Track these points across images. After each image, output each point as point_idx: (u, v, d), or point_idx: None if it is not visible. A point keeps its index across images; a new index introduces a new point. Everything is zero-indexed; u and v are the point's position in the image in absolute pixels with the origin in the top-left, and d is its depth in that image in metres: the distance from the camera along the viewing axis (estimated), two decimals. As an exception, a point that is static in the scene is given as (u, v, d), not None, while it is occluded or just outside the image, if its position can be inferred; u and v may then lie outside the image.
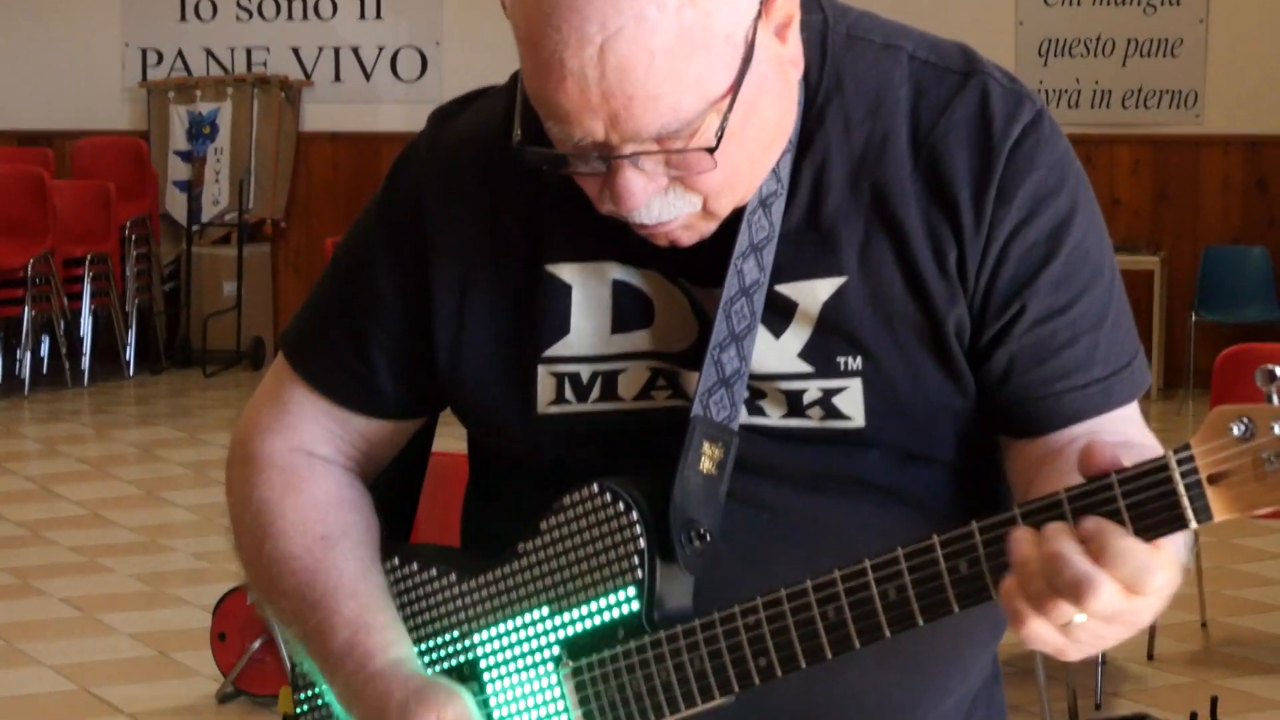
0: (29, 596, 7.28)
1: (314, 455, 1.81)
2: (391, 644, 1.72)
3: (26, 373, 11.20)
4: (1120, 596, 1.43)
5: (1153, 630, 6.41)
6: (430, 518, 1.94)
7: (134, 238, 11.66)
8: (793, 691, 1.67)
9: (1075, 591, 1.42)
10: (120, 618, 6.98)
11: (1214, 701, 5.51)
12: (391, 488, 1.87)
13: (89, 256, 11.30)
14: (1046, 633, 1.46)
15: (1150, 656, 6.41)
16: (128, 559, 7.84)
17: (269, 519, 1.79)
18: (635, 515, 1.64)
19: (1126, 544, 1.43)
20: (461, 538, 1.85)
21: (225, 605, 6.02)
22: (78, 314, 11.39)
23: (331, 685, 1.74)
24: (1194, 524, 1.43)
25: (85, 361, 11.50)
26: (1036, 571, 1.43)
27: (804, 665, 1.57)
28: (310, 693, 1.84)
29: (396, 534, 1.86)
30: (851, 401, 1.66)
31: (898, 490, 1.66)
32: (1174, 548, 1.47)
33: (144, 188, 11.81)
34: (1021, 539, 1.45)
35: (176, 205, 12.16)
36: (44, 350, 11.56)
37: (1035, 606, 1.44)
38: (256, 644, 5.88)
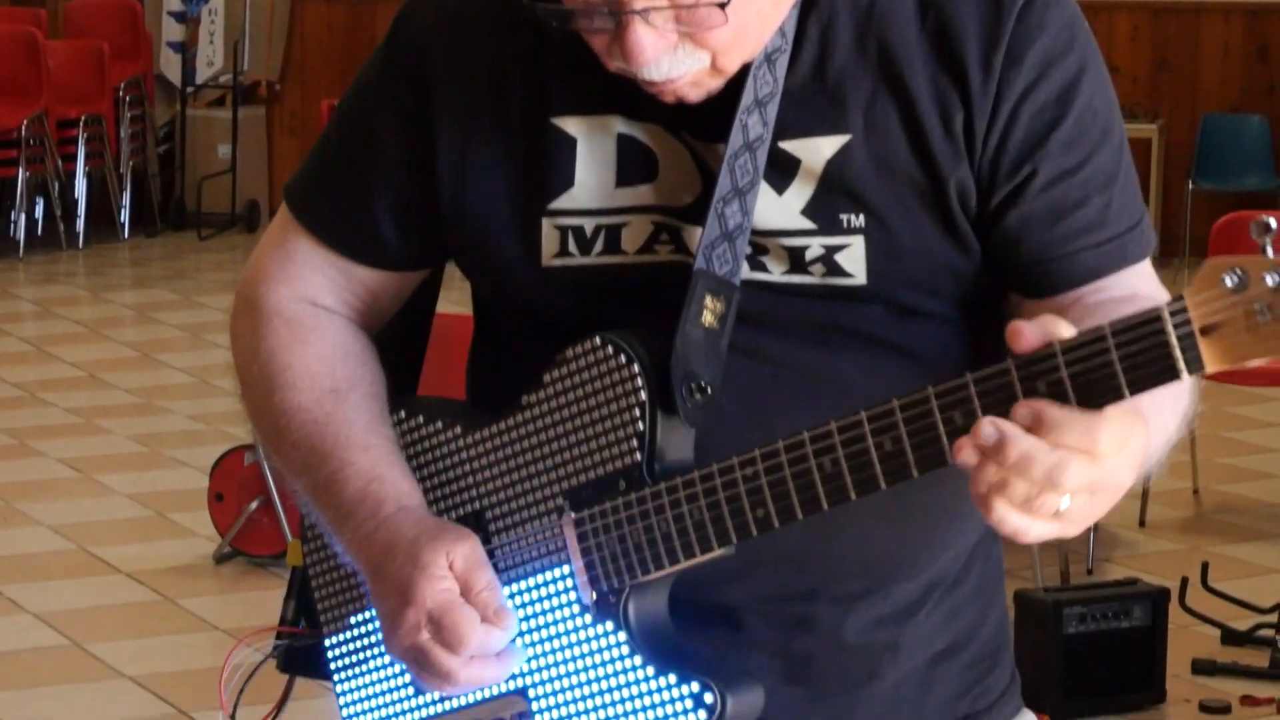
0: (27, 457, 7.31)
1: (319, 306, 1.82)
2: (404, 494, 1.73)
3: (21, 234, 11.18)
4: (1089, 466, 1.44)
5: (1145, 497, 6.45)
6: (433, 378, 1.94)
7: (128, 99, 11.59)
8: (793, 548, 1.68)
9: (1052, 479, 1.43)
10: (118, 478, 7.02)
11: (1205, 567, 5.55)
12: (397, 343, 1.88)
13: (83, 118, 11.25)
14: (1045, 529, 1.47)
15: (1142, 523, 6.44)
16: (125, 420, 7.86)
17: (276, 370, 1.79)
18: (637, 368, 1.64)
19: (1062, 415, 1.43)
20: (467, 392, 1.85)
21: (222, 466, 6.04)
22: (72, 176, 11.35)
23: (340, 535, 1.75)
24: (1185, 375, 1.42)
25: (80, 224, 11.47)
26: (1012, 478, 1.44)
27: (800, 516, 1.57)
28: (319, 543, 1.86)
29: (402, 389, 1.86)
30: (853, 259, 1.67)
31: (899, 344, 1.67)
32: (1124, 405, 1.46)
33: (138, 48, 11.74)
34: (982, 466, 1.45)
35: (171, 66, 12.09)
36: (38, 212, 11.53)
37: (1025, 509, 1.45)
38: (254, 505, 5.91)
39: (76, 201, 11.42)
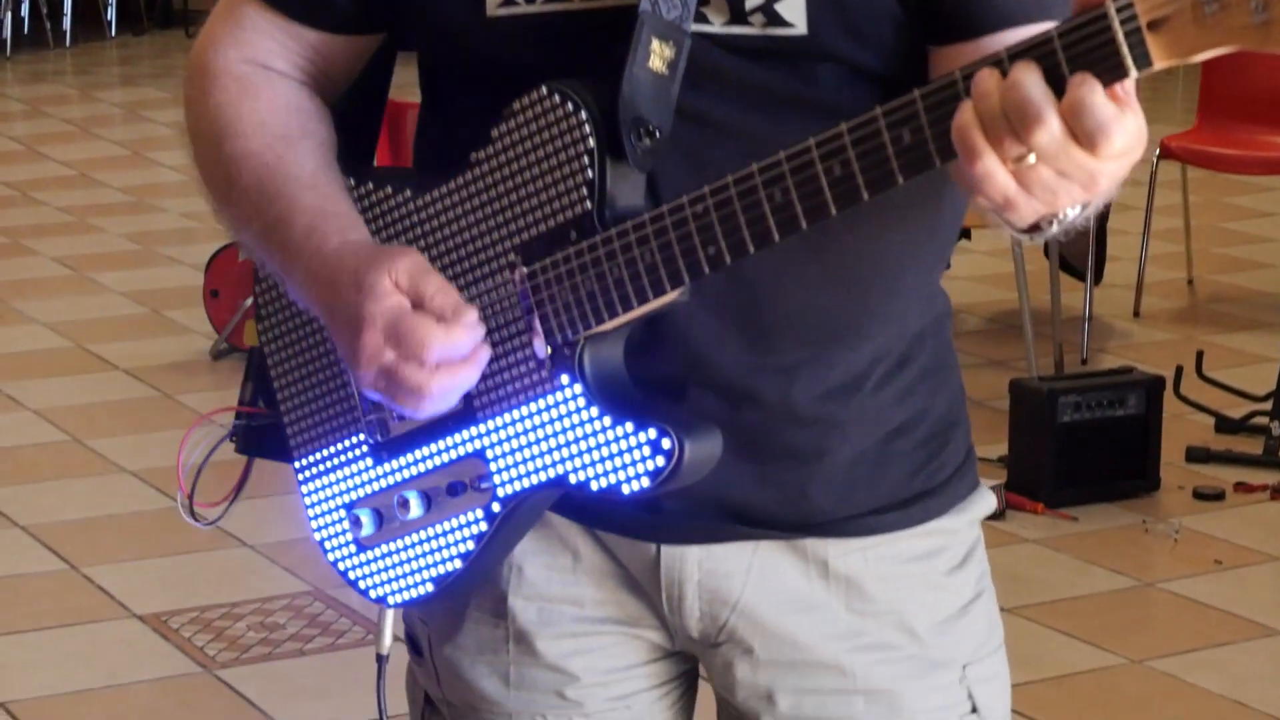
0: (21, 256, 7.31)
1: (269, 69, 1.79)
2: (349, 229, 1.70)
3: (8, 34, 11.10)
4: (1065, 139, 1.40)
5: (1139, 287, 6.47)
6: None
7: (112, -106, 11.47)
8: (733, 314, 1.68)
9: (1021, 116, 1.40)
10: (113, 277, 7.02)
11: (1199, 355, 5.58)
12: (352, 115, 1.85)
13: (67, -86, 11.14)
14: (997, 171, 1.43)
15: (1136, 314, 6.47)
16: (117, 218, 7.86)
17: (226, 121, 1.76)
18: (584, 115, 1.62)
19: (1085, 93, 1.39)
20: (415, 162, 1.83)
21: (217, 263, 6.04)
22: (57, -27, 11.25)
23: (290, 279, 1.72)
24: (1134, 72, 1.39)
25: (66, 22, 11.38)
26: (995, 102, 1.42)
27: (752, 250, 1.55)
28: (273, 320, 1.84)
29: (361, 160, 1.84)
30: (793, 7, 1.64)
31: (846, 111, 1.61)
32: (1139, 120, 1.42)
33: None
34: (988, 75, 1.43)
35: None
36: (24, 11, 11.43)
37: (987, 135, 1.42)
38: (249, 301, 5.90)
39: (62, 0, 11.30)
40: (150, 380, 5.91)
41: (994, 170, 1.43)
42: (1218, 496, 5.01)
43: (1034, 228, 1.51)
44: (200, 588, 4.48)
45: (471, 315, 1.63)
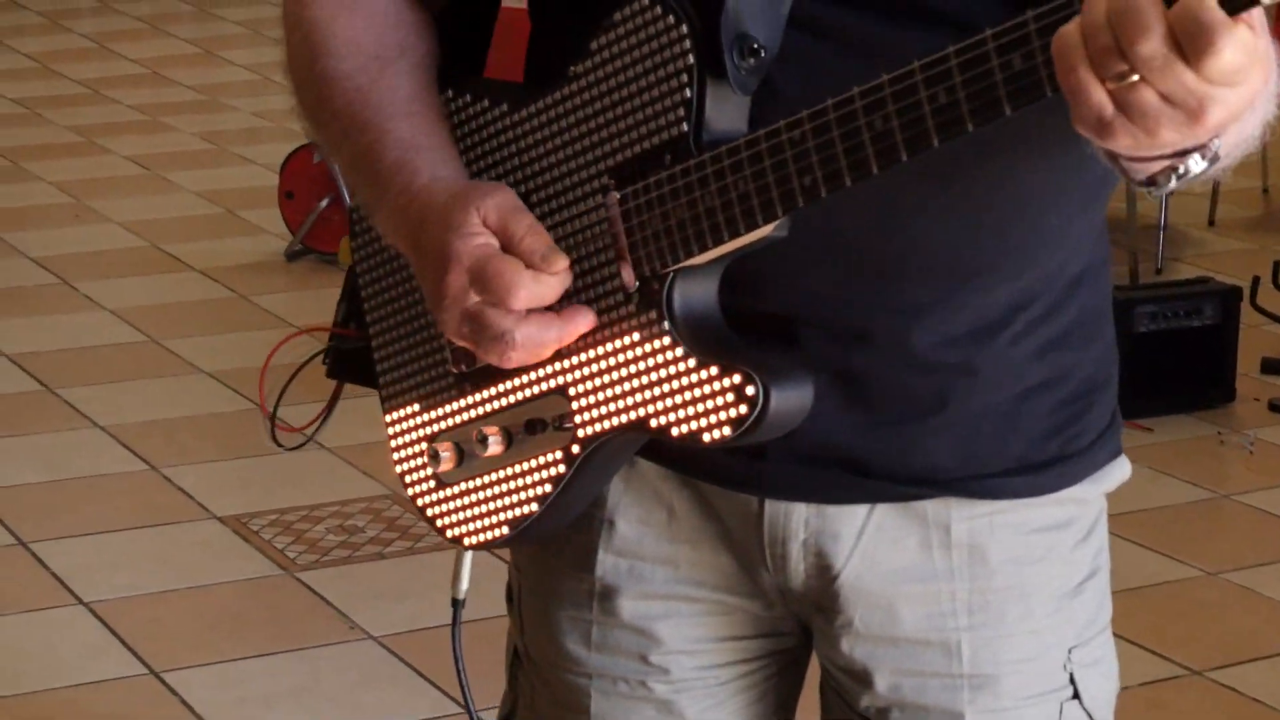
0: (94, 154, 7.34)
1: None
2: (440, 163, 1.60)
3: (76, -71, 11.09)
4: (1168, 53, 1.25)
5: (1215, 195, 6.42)
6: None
7: None
8: (848, 248, 1.57)
9: (1124, 23, 1.25)
10: (186, 176, 7.04)
11: (1276, 265, 5.54)
12: (459, 20, 1.73)
13: None
14: (1092, 86, 1.28)
15: (1211, 222, 6.43)
16: (189, 117, 7.87)
17: (320, 37, 1.66)
18: (685, 29, 1.51)
19: (1195, 5, 1.23)
20: (525, 73, 1.72)
21: (292, 163, 6.06)
22: None
23: (378, 214, 1.63)
24: None
25: (135, -83, 11.37)
26: (1100, 13, 1.27)
27: (849, 183, 1.43)
28: (365, 239, 1.76)
29: (470, 70, 1.72)
30: None
31: (977, 21, 1.42)
32: (1264, 41, 1.26)
33: None
34: None
35: None
36: (93, -94, 11.43)
37: (1086, 46, 1.27)
38: (324, 202, 5.94)
39: (131, -105, 11.29)
40: (225, 281, 5.94)
41: (1088, 85, 1.28)
42: (1293, 406, 5.00)
43: (1152, 182, 1.36)
44: (279, 490, 4.52)
45: (563, 262, 1.54)
